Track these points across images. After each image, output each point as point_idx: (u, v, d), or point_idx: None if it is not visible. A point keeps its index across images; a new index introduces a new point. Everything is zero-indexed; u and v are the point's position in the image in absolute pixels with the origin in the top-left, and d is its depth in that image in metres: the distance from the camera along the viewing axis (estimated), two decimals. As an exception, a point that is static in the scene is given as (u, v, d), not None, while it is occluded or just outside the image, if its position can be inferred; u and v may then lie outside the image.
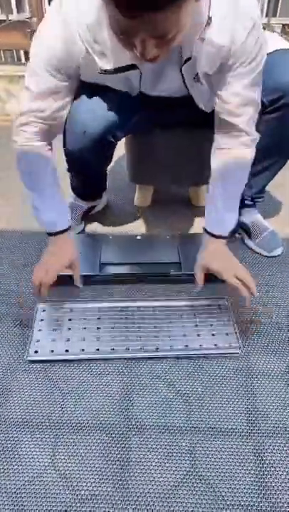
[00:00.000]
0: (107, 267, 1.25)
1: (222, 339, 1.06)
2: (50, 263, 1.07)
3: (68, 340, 1.05)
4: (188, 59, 0.91)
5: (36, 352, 1.02)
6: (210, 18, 0.83)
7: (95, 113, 1.07)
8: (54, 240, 1.10)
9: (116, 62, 0.91)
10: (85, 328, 1.08)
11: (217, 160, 1.04)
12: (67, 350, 1.03)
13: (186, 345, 1.04)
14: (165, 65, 0.96)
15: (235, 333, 1.07)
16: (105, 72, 0.93)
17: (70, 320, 1.11)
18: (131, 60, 0.89)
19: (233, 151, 1.01)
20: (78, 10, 0.84)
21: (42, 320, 1.11)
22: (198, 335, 1.07)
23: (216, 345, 1.05)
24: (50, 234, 1.09)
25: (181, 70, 0.95)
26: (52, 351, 1.02)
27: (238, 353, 1.03)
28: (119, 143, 1.23)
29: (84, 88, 1.04)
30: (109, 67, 0.92)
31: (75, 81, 0.99)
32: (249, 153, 1.02)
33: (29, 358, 1.00)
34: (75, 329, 1.08)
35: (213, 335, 1.07)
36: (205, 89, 1.00)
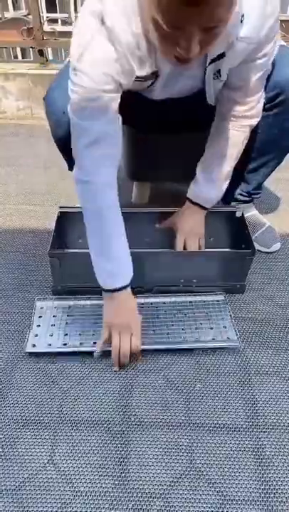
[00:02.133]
0: None
1: (220, 333, 1.06)
2: (123, 334, 0.98)
3: (66, 334, 1.05)
4: (221, 56, 0.87)
5: (34, 346, 1.02)
6: (242, 16, 0.81)
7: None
8: (115, 299, 0.98)
9: (147, 69, 0.86)
10: (82, 323, 1.09)
11: (209, 139, 1.10)
12: (65, 344, 1.03)
13: (185, 339, 1.05)
14: (188, 69, 0.90)
15: (233, 326, 1.07)
16: (139, 78, 0.86)
17: (68, 316, 1.11)
18: (171, 62, 0.83)
19: (225, 133, 1.06)
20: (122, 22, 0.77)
21: (40, 316, 1.11)
22: (196, 328, 1.07)
23: (214, 339, 1.05)
24: (107, 290, 0.97)
25: (205, 69, 0.91)
26: (49, 345, 1.03)
27: (236, 346, 1.03)
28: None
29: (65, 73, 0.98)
30: (141, 73, 0.86)
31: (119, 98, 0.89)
32: (239, 136, 1.07)
33: (27, 350, 1.01)
34: (73, 324, 1.08)
35: (211, 328, 1.07)
36: (222, 84, 1.00)
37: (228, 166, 1.11)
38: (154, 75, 0.89)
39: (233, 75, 0.96)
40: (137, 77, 0.86)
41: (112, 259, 0.97)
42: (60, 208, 1.24)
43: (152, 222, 1.27)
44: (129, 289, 0.98)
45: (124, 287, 0.97)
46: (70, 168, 1.08)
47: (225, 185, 1.14)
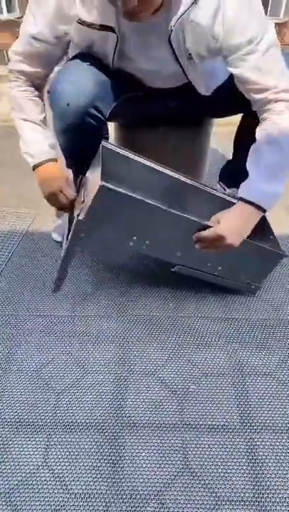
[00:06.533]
0: None
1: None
2: (52, 187, 1.14)
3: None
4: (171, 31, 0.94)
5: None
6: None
7: (78, 84, 1.07)
8: (42, 170, 1.15)
9: (96, 16, 0.95)
10: None
11: (256, 133, 1.02)
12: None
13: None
14: (150, 34, 0.98)
15: None
16: (82, 23, 0.97)
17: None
18: (115, 14, 0.92)
19: (266, 122, 0.99)
20: None
21: None
22: None
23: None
24: (35, 166, 1.16)
25: (169, 40, 0.96)
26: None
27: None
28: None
29: (69, 60, 1.08)
30: (88, 19, 0.96)
31: (62, 47, 1.07)
32: (280, 120, 0.97)
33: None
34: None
35: None
36: (202, 69, 1.01)
37: (277, 156, 0.99)
38: (112, 31, 0.96)
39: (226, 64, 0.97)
40: (84, 21, 0.96)
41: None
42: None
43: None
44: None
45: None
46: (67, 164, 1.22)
47: (281, 178, 1.01)
